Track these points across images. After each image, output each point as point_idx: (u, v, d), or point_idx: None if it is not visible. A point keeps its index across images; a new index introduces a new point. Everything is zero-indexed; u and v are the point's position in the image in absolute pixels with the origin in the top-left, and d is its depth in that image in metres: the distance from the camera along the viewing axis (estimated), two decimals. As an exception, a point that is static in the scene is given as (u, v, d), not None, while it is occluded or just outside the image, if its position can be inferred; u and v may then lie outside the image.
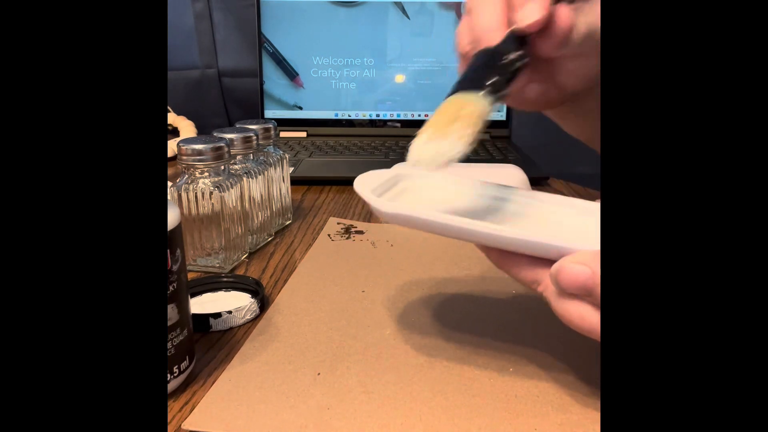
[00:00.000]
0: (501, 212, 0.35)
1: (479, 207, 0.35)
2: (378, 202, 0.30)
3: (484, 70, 0.30)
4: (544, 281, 0.28)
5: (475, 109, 0.29)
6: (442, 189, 0.37)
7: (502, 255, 0.29)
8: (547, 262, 0.27)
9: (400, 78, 0.97)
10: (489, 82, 0.29)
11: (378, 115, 0.98)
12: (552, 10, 0.31)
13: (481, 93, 0.29)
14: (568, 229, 0.32)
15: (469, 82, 0.30)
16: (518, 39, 0.31)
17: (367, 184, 0.33)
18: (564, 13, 0.31)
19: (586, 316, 0.26)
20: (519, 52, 0.30)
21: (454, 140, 0.28)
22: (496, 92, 0.30)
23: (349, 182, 0.77)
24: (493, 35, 0.31)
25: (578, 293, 0.25)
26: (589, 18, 0.32)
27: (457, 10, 0.94)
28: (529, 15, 0.30)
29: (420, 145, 0.29)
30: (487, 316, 0.40)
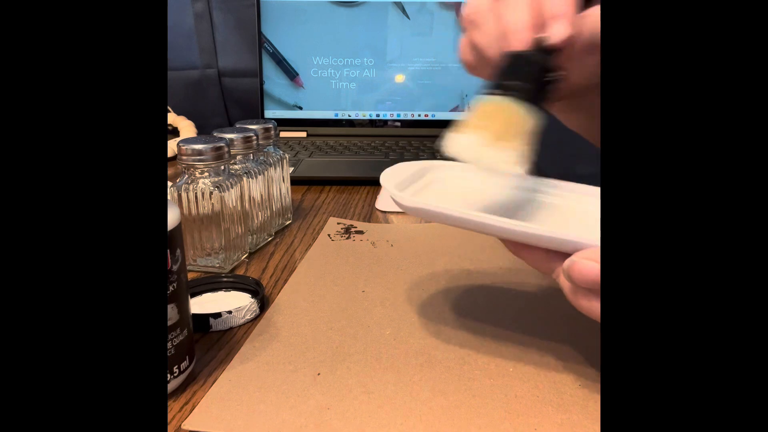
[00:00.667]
0: (524, 202, 0.36)
1: (502, 198, 0.37)
2: (399, 196, 0.32)
3: (528, 80, 0.31)
4: (558, 269, 0.29)
5: (529, 126, 0.31)
6: (466, 180, 0.38)
7: (518, 245, 0.30)
8: (561, 253, 0.28)
9: (400, 78, 0.97)
10: (538, 99, 0.31)
11: (378, 115, 0.98)
12: (577, 27, 0.32)
13: (534, 110, 0.31)
14: (591, 219, 0.33)
15: (518, 91, 0.31)
16: (544, 48, 0.32)
17: (392, 178, 0.34)
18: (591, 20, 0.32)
19: (595, 306, 0.27)
20: (560, 72, 0.32)
21: (512, 155, 0.30)
22: (541, 109, 0.31)
23: (349, 182, 0.77)
24: (522, 36, 0.32)
25: (589, 287, 0.26)
26: (595, 17, 0.32)
27: (457, 10, 0.94)
28: (558, 32, 0.31)
29: (475, 147, 0.30)
30: (488, 316, 0.40)
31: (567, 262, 0.27)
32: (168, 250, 0.29)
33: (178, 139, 0.48)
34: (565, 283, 0.28)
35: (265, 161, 0.54)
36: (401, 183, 0.35)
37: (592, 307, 0.27)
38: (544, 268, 0.30)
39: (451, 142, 0.31)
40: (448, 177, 0.38)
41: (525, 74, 0.31)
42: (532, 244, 0.29)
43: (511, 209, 0.35)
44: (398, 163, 0.37)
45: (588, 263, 0.26)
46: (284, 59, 0.97)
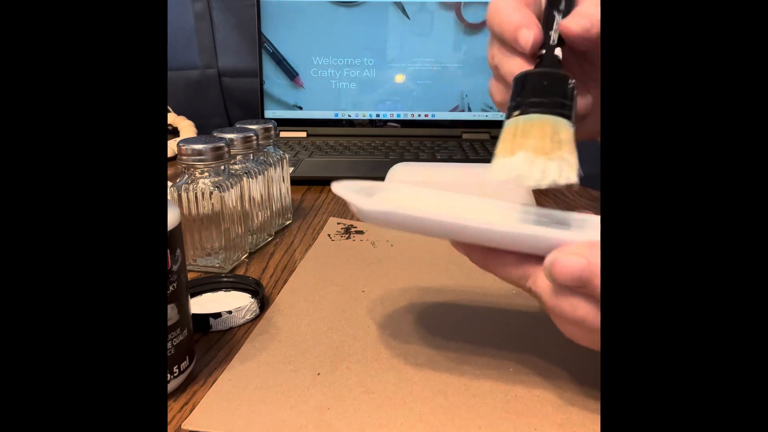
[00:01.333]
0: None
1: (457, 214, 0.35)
2: (360, 201, 0.29)
3: (557, 94, 0.30)
4: (533, 275, 0.27)
5: (567, 134, 0.29)
6: (419, 200, 0.36)
7: (487, 254, 0.28)
8: (534, 257, 0.27)
9: (400, 78, 0.97)
10: (569, 109, 0.30)
11: (378, 115, 0.98)
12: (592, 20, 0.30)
13: (568, 120, 0.30)
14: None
15: (551, 105, 0.30)
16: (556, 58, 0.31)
17: (347, 187, 0.32)
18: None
19: (579, 308, 0.25)
20: (573, 80, 0.31)
21: (564, 164, 0.28)
22: (573, 117, 0.30)
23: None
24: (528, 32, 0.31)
25: (573, 285, 0.25)
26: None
27: (457, 10, 0.94)
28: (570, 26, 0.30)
29: (524, 165, 0.28)
30: (488, 316, 0.40)
31: (549, 258, 0.25)
32: (168, 250, 0.29)
33: (178, 139, 0.48)
34: (543, 287, 0.26)
35: (265, 161, 0.54)
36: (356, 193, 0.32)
37: (576, 308, 0.25)
38: (515, 274, 0.28)
39: (498, 168, 0.29)
40: (399, 197, 0.36)
41: (563, 94, 0.30)
42: (509, 246, 0.27)
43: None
44: (347, 181, 0.34)
45: (572, 258, 0.24)
46: (284, 59, 0.97)
